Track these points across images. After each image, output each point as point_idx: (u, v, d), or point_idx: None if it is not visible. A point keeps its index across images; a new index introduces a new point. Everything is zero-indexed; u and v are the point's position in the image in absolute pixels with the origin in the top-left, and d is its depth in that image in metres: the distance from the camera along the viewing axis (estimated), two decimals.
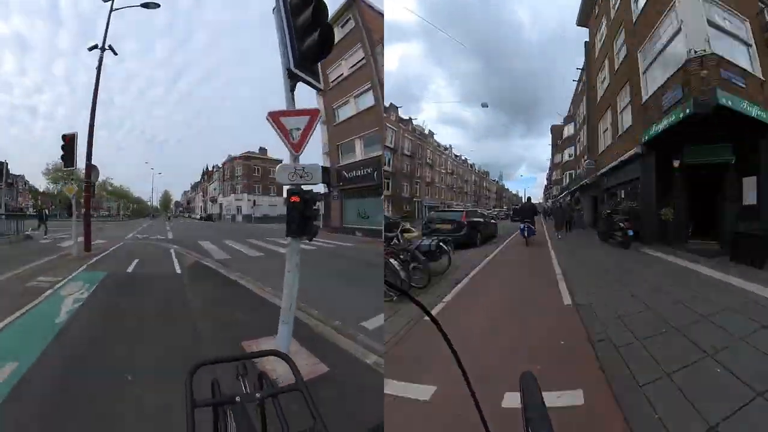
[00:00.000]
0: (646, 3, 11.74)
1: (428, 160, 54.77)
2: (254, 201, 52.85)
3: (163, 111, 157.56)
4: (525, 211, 14.49)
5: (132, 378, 3.21)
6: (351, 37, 22.80)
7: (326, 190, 25.04)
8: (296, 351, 3.72)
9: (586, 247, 12.77)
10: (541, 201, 66.24)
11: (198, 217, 72.74)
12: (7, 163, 18.42)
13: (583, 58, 27.38)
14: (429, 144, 55.76)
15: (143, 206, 74.01)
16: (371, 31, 21.97)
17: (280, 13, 3.59)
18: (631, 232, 11.07)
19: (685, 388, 2.79)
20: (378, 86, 21.71)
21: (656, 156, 11.31)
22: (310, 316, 4.94)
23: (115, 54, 12.59)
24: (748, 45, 9.71)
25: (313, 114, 3.48)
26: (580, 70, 27.75)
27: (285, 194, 3.34)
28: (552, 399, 2.54)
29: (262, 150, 58.18)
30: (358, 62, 23.17)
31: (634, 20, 12.77)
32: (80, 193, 12.15)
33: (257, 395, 1.06)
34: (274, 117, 3.45)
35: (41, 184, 52.40)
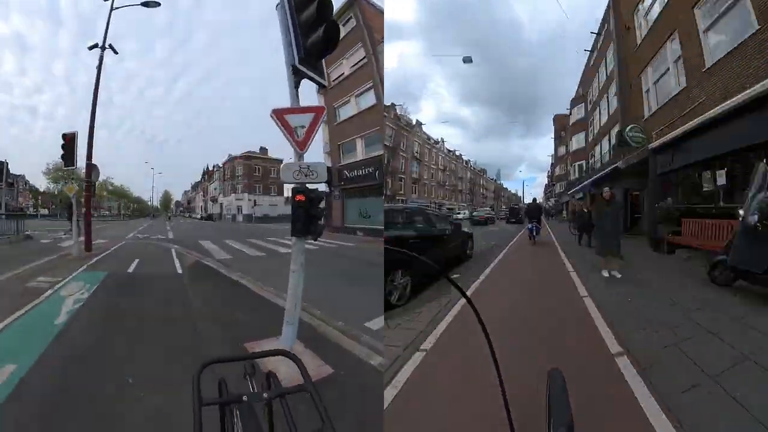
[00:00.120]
0: None
1: (415, 154, 50.62)
2: (255, 201, 52.88)
3: (163, 111, 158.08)
4: (531, 212, 15.09)
5: (132, 381, 3.15)
6: (352, 36, 22.75)
7: (327, 190, 24.99)
8: (301, 352, 3.66)
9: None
10: (540, 201, 67.24)
11: (198, 216, 72.80)
12: (7, 163, 18.36)
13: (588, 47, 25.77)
14: (416, 135, 51.46)
15: (143, 206, 74.18)
16: (372, 30, 21.92)
17: (284, 8, 3.53)
18: None
19: None
20: (379, 85, 21.67)
21: None
22: (313, 317, 4.88)
23: (116, 53, 12.55)
24: None
25: (318, 111, 3.42)
26: (595, 34, 24.23)
27: (286, 193, 3.29)
28: None
29: (263, 150, 58.22)
30: (359, 61, 23.12)
31: None
32: (81, 193, 12.10)
33: (265, 395, 1.04)
34: (279, 114, 3.39)
35: (41, 183, 52.50)
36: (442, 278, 0.83)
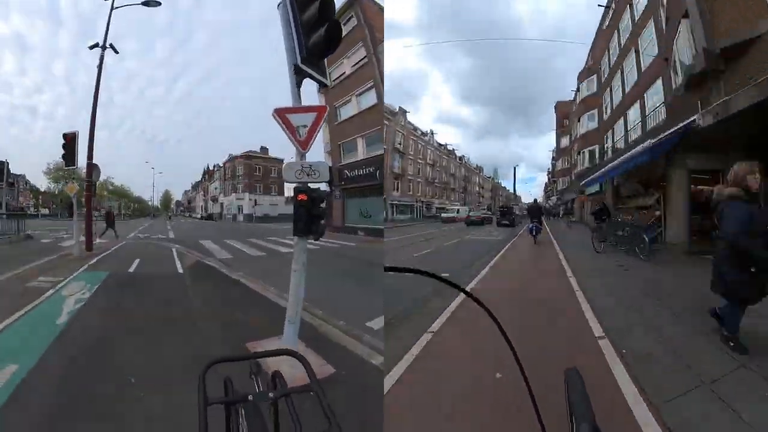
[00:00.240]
0: None
1: (398, 145, 43.68)
2: (255, 200, 52.86)
3: (163, 110, 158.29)
4: (533, 212, 15.79)
5: (134, 380, 3.14)
6: (353, 35, 22.74)
7: (328, 190, 25.00)
8: (302, 351, 3.63)
9: None
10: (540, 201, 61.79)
11: (199, 216, 72.82)
12: (8, 163, 18.36)
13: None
14: (398, 125, 44.46)
15: (144, 206, 74.19)
16: (373, 29, 21.90)
17: (286, 8, 3.52)
18: None
19: None
20: (380, 84, 21.66)
21: None
22: (315, 316, 4.88)
23: (116, 52, 12.54)
24: None
25: (320, 111, 3.41)
26: None
27: (287, 193, 3.29)
28: None
29: (264, 149, 58.21)
30: (360, 60, 23.11)
31: None
32: (81, 192, 12.10)
33: (270, 395, 1.04)
34: (281, 114, 3.38)
35: (42, 183, 52.55)
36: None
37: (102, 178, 26.46)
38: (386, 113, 39.51)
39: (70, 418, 2.63)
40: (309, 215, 3.31)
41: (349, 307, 5.45)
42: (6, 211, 17.50)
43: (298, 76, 3.51)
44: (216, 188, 68.47)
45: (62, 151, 11.19)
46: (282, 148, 59.27)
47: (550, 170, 68.65)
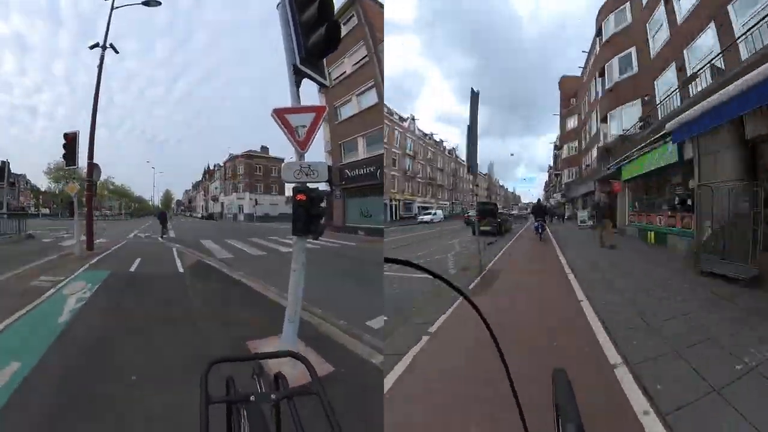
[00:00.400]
0: None
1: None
2: (256, 200, 52.85)
3: (163, 110, 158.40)
4: (537, 211, 17.41)
5: (135, 379, 3.16)
6: (354, 35, 22.73)
7: (329, 189, 25.01)
8: (302, 350, 3.67)
9: None
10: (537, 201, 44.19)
11: (199, 216, 72.84)
12: (8, 163, 18.37)
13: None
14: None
15: (145, 205, 74.25)
16: (374, 28, 21.89)
17: (285, 8, 3.53)
18: None
19: None
20: (381, 84, 21.66)
21: None
22: (314, 315, 4.89)
23: (117, 52, 12.55)
24: None
25: (319, 111, 3.42)
26: None
27: (287, 193, 3.30)
28: None
29: (264, 149, 58.17)
30: (360, 60, 23.09)
31: None
32: (82, 192, 12.13)
33: (272, 396, 1.03)
34: (280, 114, 3.40)
35: (42, 183, 52.62)
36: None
37: (102, 177, 26.52)
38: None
39: (71, 416, 2.65)
40: (308, 215, 3.32)
41: (349, 306, 5.46)
42: (7, 210, 17.52)
43: (297, 76, 3.52)
44: (216, 188, 68.49)
45: (62, 151, 11.21)
46: (282, 148, 59.04)
47: (551, 165, 59.59)
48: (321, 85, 3.99)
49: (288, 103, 3.54)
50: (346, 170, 24.12)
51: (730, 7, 9.92)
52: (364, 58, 22.83)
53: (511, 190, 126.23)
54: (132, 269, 8.69)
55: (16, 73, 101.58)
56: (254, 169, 56.20)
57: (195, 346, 3.96)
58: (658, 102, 14.17)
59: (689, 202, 9.45)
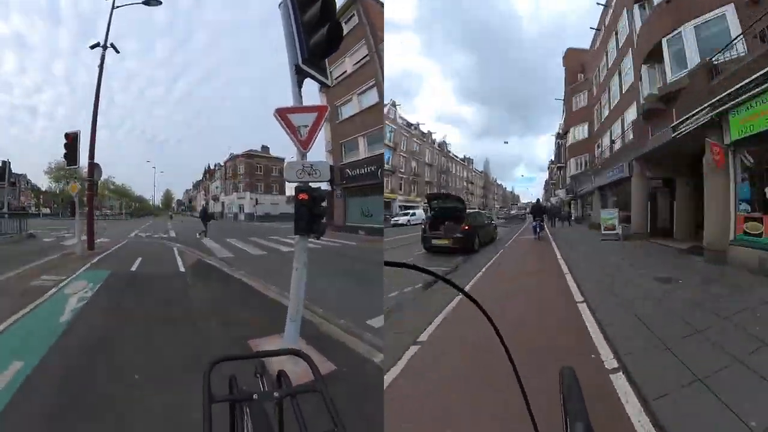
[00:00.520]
0: None
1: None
2: (256, 199, 52.84)
3: (164, 110, 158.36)
4: (535, 211, 17.25)
5: (138, 378, 3.18)
6: (355, 34, 22.71)
7: (329, 189, 25.02)
8: (303, 349, 3.66)
9: None
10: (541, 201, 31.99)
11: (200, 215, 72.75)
12: (9, 162, 18.39)
13: None
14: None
15: (145, 205, 74.27)
16: (375, 27, 21.87)
17: (287, 7, 3.54)
18: None
19: None
20: (382, 83, 21.66)
21: None
22: (315, 314, 4.90)
23: (117, 52, 12.55)
24: None
25: (321, 110, 3.44)
26: None
27: (288, 192, 3.30)
28: None
29: (265, 148, 58.15)
30: (362, 59, 23.08)
31: None
32: (83, 192, 12.14)
33: (276, 394, 1.03)
34: (282, 114, 3.41)
35: (43, 183, 52.64)
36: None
37: (103, 177, 26.53)
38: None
39: (73, 415, 2.66)
40: (310, 214, 3.33)
41: (350, 305, 5.47)
42: (8, 210, 17.54)
43: (300, 76, 3.53)
44: (217, 187, 68.49)
45: (62, 151, 11.22)
46: (283, 148, 58.82)
47: (553, 160, 53.03)
48: (323, 85, 4.00)
49: (289, 102, 3.55)
50: (347, 170, 24.12)
51: None
52: (365, 57, 22.82)
53: (510, 189, 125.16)
54: (133, 268, 8.70)
55: (16, 73, 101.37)
56: (255, 169, 56.19)
57: (196, 345, 3.96)
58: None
59: None
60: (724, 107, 7.47)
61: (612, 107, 20.95)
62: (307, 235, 3.48)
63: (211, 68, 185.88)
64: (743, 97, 6.91)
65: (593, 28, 24.62)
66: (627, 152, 15.89)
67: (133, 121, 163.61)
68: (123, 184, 64.20)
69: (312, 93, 25.64)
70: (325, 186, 3.73)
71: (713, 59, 8.87)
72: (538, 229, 16.19)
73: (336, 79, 24.12)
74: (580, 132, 30.74)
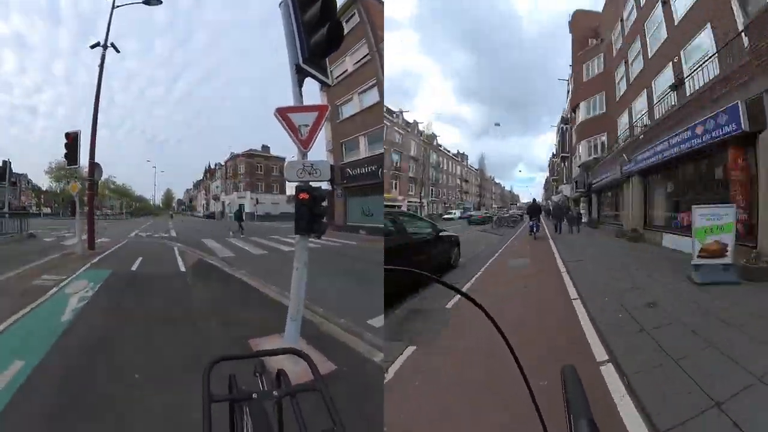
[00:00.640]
0: None
1: None
2: (257, 199, 52.85)
3: (164, 110, 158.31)
4: (532, 211, 17.48)
5: (138, 377, 3.18)
6: (355, 33, 22.68)
7: (330, 188, 25.01)
8: (304, 349, 3.66)
9: None
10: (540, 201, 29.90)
11: (200, 215, 72.89)
12: (10, 162, 18.42)
13: None
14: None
15: (146, 204, 74.30)
16: (376, 26, 21.84)
17: (287, 7, 3.53)
18: None
19: None
20: (383, 82, 21.64)
21: None
22: (316, 314, 4.90)
23: (118, 52, 12.54)
24: None
25: (321, 110, 3.43)
26: None
27: (289, 192, 3.30)
28: None
29: (265, 148, 58.13)
30: (362, 58, 23.06)
31: None
32: (83, 192, 12.14)
33: (275, 393, 1.03)
34: (282, 113, 3.40)
35: (43, 182, 52.67)
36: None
37: (103, 177, 26.59)
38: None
39: (73, 415, 2.66)
40: (311, 214, 3.33)
41: (350, 305, 5.47)
42: (9, 210, 17.57)
43: (300, 75, 3.53)
44: (217, 187, 68.50)
45: (63, 151, 11.22)
46: (283, 147, 58.66)
47: (555, 153, 47.29)
48: (323, 84, 3.99)
49: (289, 102, 3.54)
50: (348, 169, 24.11)
51: None
52: (365, 56, 22.79)
53: (508, 189, 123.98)
54: (133, 268, 8.70)
55: (16, 72, 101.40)
56: (255, 168, 56.18)
57: (196, 345, 3.97)
58: None
59: None
60: None
61: (645, 66, 15.05)
62: (308, 235, 3.48)
63: (212, 68, 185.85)
64: None
65: None
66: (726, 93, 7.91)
67: (133, 120, 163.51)
68: (123, 184, 64.23)
69: (313, 92, 25.58)
70: (325, 185, 3.73)
71: None
72: (534, 229, 16.71)
73: (337, 78, 24.09)
74: (593, 106, 24.31)
